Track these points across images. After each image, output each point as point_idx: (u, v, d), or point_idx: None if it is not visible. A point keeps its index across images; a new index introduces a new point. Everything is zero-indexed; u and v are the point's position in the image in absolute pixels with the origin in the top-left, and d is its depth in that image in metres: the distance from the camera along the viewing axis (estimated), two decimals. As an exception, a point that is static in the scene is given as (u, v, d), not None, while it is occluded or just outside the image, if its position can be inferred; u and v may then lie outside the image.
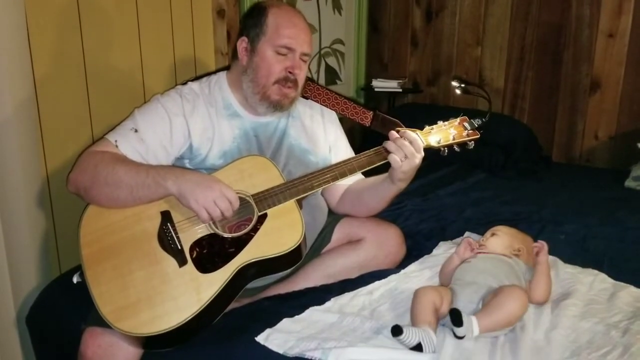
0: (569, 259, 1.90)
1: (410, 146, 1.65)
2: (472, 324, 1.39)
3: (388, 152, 1.67)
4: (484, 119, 1.77)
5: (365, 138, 3.50)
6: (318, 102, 1.93)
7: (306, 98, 1.90)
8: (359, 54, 3.91)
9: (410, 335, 1.35)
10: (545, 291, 1.61)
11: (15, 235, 1.84)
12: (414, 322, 1.45)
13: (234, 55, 1.82)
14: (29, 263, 1.89)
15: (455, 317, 1.38)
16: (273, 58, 1.72)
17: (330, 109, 1.95)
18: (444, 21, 3.69)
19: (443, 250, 1.96)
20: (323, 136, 1.92)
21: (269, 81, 1.72)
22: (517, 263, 1.66)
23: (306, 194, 1.64)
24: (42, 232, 1.95)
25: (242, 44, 1.77)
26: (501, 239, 1.76)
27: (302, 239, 1.56)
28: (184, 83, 1.83)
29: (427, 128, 1.75)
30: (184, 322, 1.41)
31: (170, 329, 1.40)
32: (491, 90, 3.53)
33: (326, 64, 3.61)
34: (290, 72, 1.73)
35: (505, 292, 1.47)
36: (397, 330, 1.36)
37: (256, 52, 1.74)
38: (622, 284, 1.75)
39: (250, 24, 1.76)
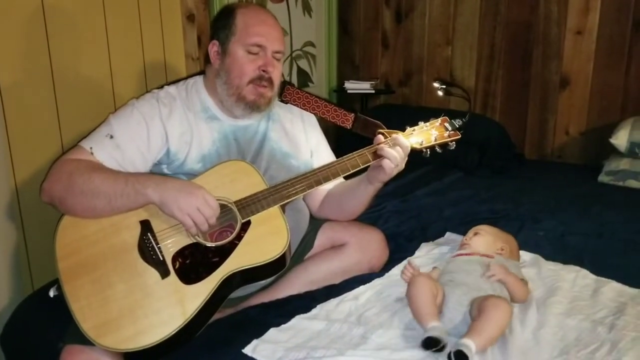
0: (549, 256, 1.92)
1: (402, 152, 1.64)
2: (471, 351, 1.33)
3: (380, 156, 1.64)
4: (464, 119, 1.77)
5: (340, 139, 3.47)
6: (298, 106, 1.89)
7: (285, 102, 1.87)
8: (330, 56, 3.90)
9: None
10: (517, 294, 1.59)
11: (-16, 251, 1.77)
12: (419, 315, 1.45)
13: (207, 59, 1.78)
14: (-1, 279, 1.82)
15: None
16: (244, 57, 1.69)
17: (310, 112, 1.92)
18: (414, 22, 3.70)
19: (425, 252, 1.95)
20: (304, 140, 1.89)
21: (243, 81, 1.69)
22: (500, 260, 1.66)
23: (290, 200, 1.61)
24: (12, 247, 1.88)
25: (213, 47, 1.74)
26: (484, 238, 1.78)
27: (287, 245, 1.53)
28: (161, 87, 1.78)
29: (408, 130, 1.74)
30: (169, 336, 1.36)
31: (155, 344, 1.35)
32: (462, 90, 3.56)
33: (298, 66, 3.59)
34: (263, 71, 1.70)
35: (491, 305, 1.41)
36: (432, 344, 1.34)
37: (227, 54, 1.71)
38: (604, 279, 1.77)
39: (220, 26, 1.74)
